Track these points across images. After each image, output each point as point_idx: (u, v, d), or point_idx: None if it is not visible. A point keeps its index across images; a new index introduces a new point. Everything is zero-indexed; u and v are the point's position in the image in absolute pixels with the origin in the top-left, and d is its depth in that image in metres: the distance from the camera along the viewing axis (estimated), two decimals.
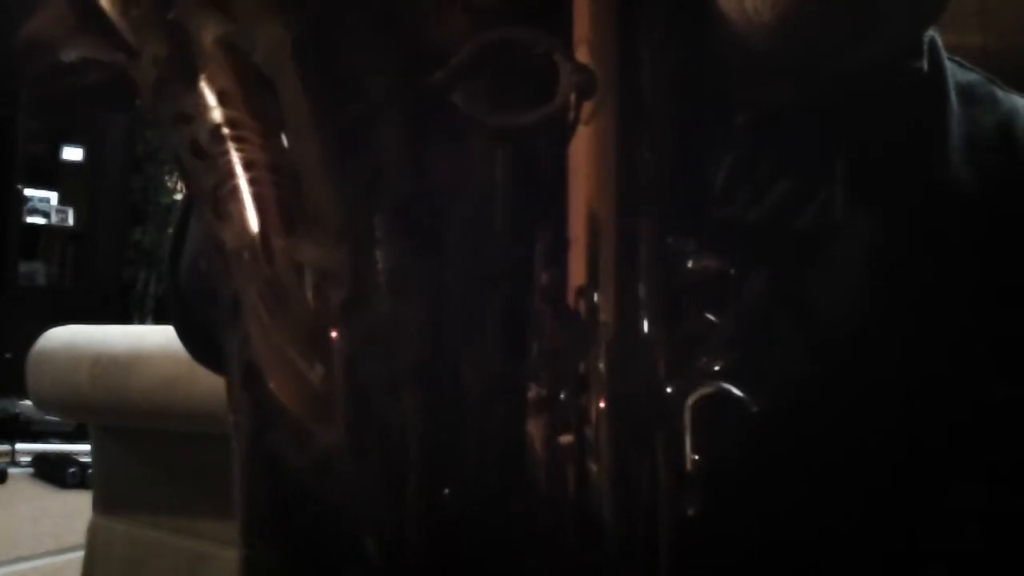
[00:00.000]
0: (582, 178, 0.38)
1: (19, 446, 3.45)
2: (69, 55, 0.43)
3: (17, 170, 4.45)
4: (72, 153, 4.89)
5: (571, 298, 0.38)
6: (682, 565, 0.38)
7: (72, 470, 3.12)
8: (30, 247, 4.69)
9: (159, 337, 1.28)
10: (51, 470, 3.23)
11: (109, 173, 4.89)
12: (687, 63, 0.49)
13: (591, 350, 0.38)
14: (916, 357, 0.54)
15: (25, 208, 4.59)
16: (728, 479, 0.39)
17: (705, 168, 0.56)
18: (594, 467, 0.38)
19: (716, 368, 0.38)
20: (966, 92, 0.59)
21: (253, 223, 0.38)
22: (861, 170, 0.55)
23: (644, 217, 0.39)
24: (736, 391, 0.38)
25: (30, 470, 3.33)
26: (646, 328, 0.39)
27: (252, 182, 0.38)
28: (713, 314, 0.39)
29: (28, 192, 4.60)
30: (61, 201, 4.83)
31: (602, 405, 0.38)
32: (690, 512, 0.38)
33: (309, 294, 0.38)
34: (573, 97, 0.37)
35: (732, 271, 0.40)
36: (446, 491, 0.38)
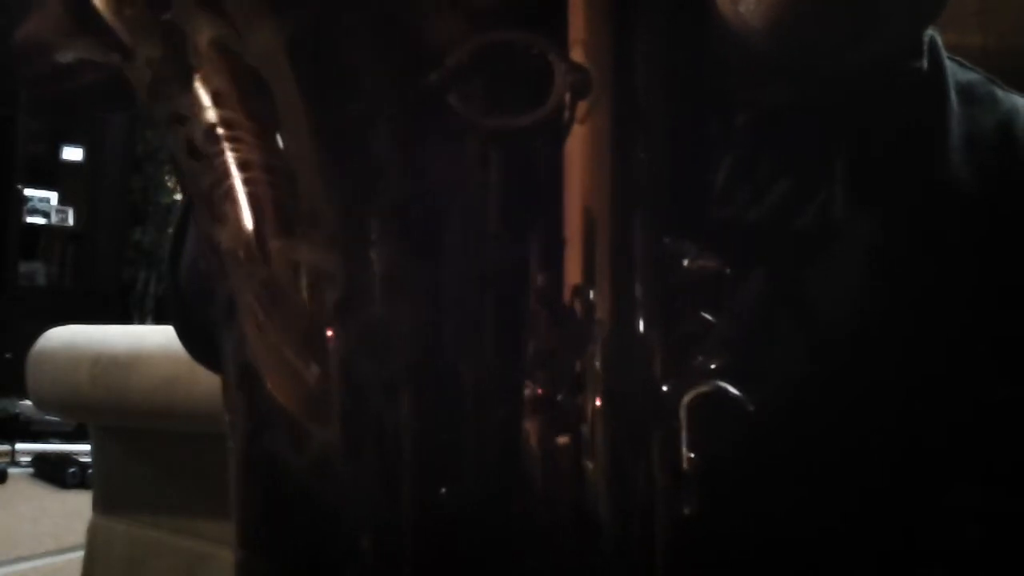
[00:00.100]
0: (578, 178, 0.38)
1: (19, 446, 3.45)
2: (65, 56, 0.43)
3: (17, 170, 4.45)
4: (72, 153, 4.89)
5: (567, 298, 0.38)
6: (679, 564, 0.38)
7: (72, 470, 3.12)
8: (30, 247, 4.69)
9: (159, 337, 1.27)
10: (51, 470, 3.23)
11: (109, 173, 4.89)
12: (685, 63, 0.49)
13: (587, 349, 0.38)
14: (916, 357, 0.53)
15: (25, 208, 4.59)
16: (725, 478, 0.39)
17: (703, 168, 0.56)
18: (590, 466, 0.38)
19: (712, 367, 0.38)
20: (966, 92, 0.59)
21: (248, 223, 0.38)
22: (861, 170, 0.55)
23: (640, 216, 0.39)
24: (732, 390, 0.38)
25: (30, 470, 3.33)
26: (642, 327, 0.39)
27: (247, 182, 0.38)
28: (710, 313, 0.39)
29: (28, 192, 4.60)
30: (61, 201, 4.83)
31: (598, 404, 0.38)
32: (686, 511, 0.38)
33: (304, 294, 0.38)
34: (568, 97, 0.37)
35: (728, 271, 0.40)
36: (443, 490, 0.38)
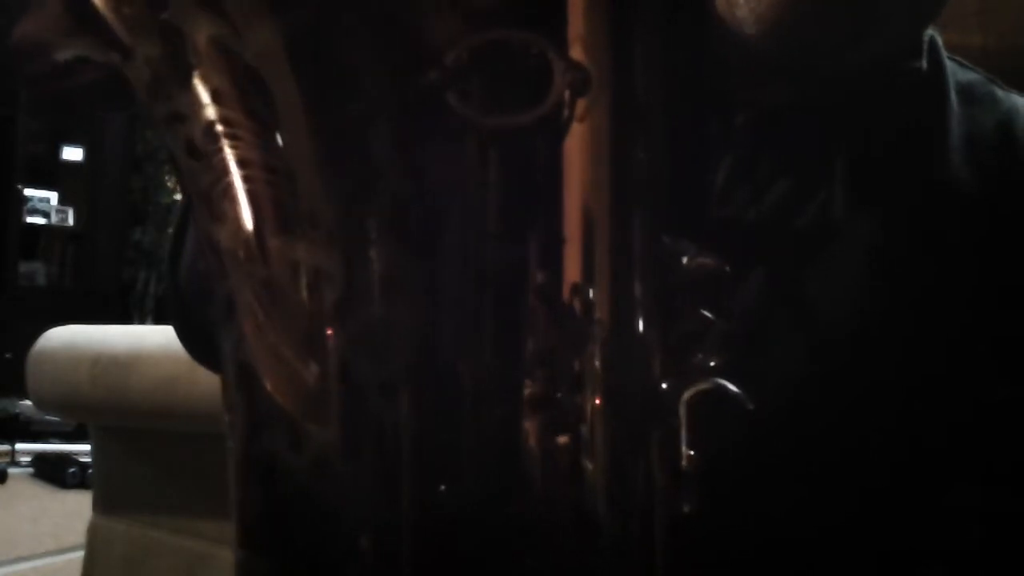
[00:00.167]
0: (577, 176, 0.38)
1: (19, 446, 3.45)
2: (64, 55, 0.43)
3: (17, 170, 4.45)
4: (72, 153, 4.90)
5: (566, 296, 0.38)
6: (679, 563, 0.38)
7: (72, 470, 3.12)
8: (30, 247, 4.69)
9: (159, 337, 1.27)
10: (51, 470, 3.23)
11: (109, 173, 4.89)
12: (685, 62, 0.49)
13: (587, 348, 0.38)
14: (916, 357, 0.53)
15: (25, 208, 4.60)
16: (726, 477, 0.39)
17: (703, 167, 0.56)
18: (590, 465, 0.38)
19: (712, 365, 0.38)
20: (966, 92, 0.59)
21: (248, 222, 0.38)
22: (861, 170, 0.55)
23: (639, 215, 0.39)
24: (732, 388, 0.38)
25: (30, 470, 3.33)
26: (642, 325, 0.39)
27: (247, 181, 0.38)
28: (710, 312, 0.39)
29: (28, 192, 4.60)
30: (61, 201, 4.83)
31: (598, 403, 0.37)
32: (686, 510, 0.38)
33: (304, 293, 0.38)
34: (567, 95, 0.37)
35: (728, 269, 0.40)
36: (442, 490, 0.38)
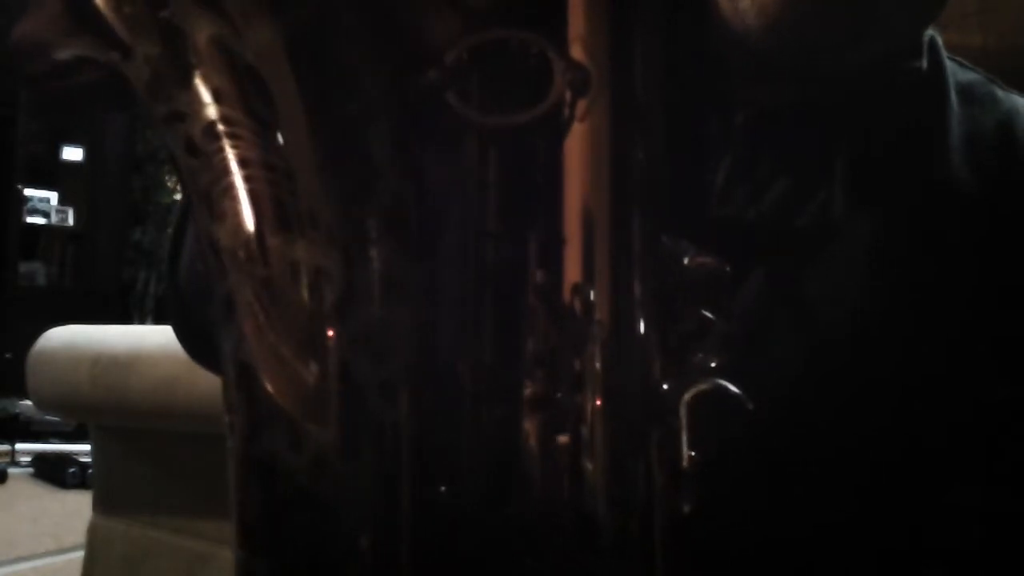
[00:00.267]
0: (577, 176, 0.38)
1: (19, 446, 3.45)
2: (64, 54, 0.43)
3: (17, 170, 4.45)
4: (72, 153, 4.90)
5: (566, 296, 0.38)
6: (679, 563, 0.38)
7: (72, 470, 3.12)
8: (30, 247, 4.69)
9: (159, 337, 1.27)
10: (51, 470, 3.23)
11: (109, 173, 4.89)
12: (685, 61, 0.49)
13: (587, 348, 0.37)
14: (916, 357, 0.53)
15: (25, 208, 4.60)
16: (726, 477, 0.39)
17: (703, 167, 0.56)
18: (590, 466, 0.38)
19: (712, 365, 0.38)
20: (966, 92, 0.59)
21: (248, 221, 0.38)
22: (861, 169, 0.55)
23: (639, 215, 0.39)
24: (732, 388, 0.38)
25: (30, 470, 3.33)
26: (642, 326, 0.39)
27: (247, 180, 0.38)
28: (710, 312, 0.39)
29: (28, 192, 4.60)
30: (61, 201, 4.83)
31: (598, 403, 0.37)
32: (687, 510, 0.38)
33: (304, 293, 0.38)
34: (568, 95, 0.37)
35: (728, 269, 0.40)
36: (442, 490, 0.38)
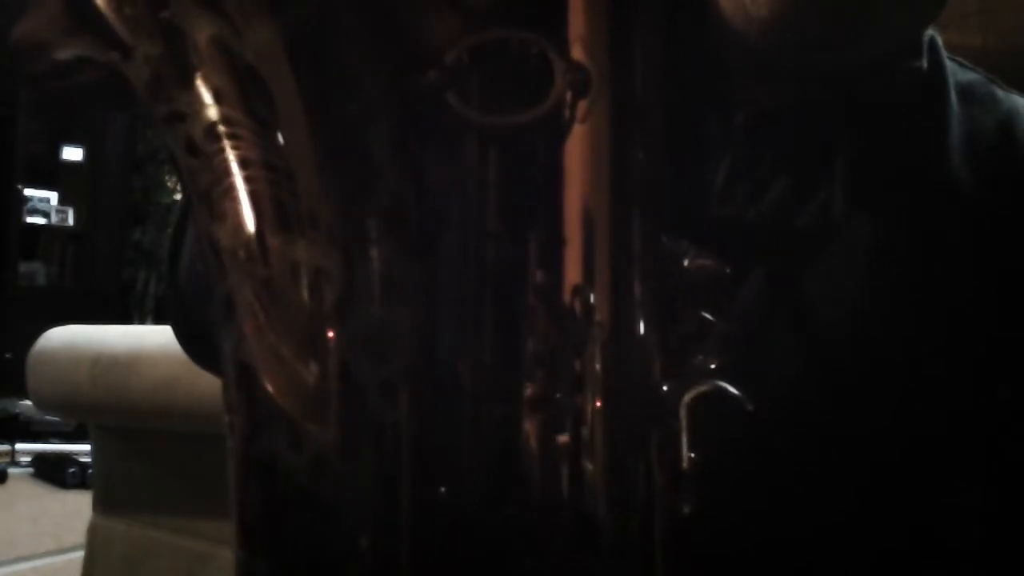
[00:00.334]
0: (577, 176, 0.38)
1: (19, 446, 3.45)
2: (64, 54, 0.43)
3: (17, 170, 4.45)
4: (72, 153, 4.90)
5: (567, 297, 0.38)
6: (679, 564, 0.38)
7: (72, 470, 3.12)
8: (30, 247, 4.70)
9: (159, 337, 1.28)
10: (51, 470, 3.23)
11: (109, 173, 4.89)
12: (685, 61, 0.49)
13: (587, 349, 0.37)
14: (916, 357, 0.53)
15: (25, 208, 4.60)
16: (726, 478, 0.39)
17: (703, 167, 0.56)
18: (590, 466, 0.38)
19: (712, 366, 0.38)
20: (966, 92, 0.59)
21: (248, 222, 0.38)
22: (861, 169, 0.55)
23: (639, 215, 0.39)
24: (732, 390, 0.38)
25: (30, 470, 3.33)
26: (642, 327, 0.39)
27: (247, 180, 0.38)
28: (710, 313, 0.39)
29: (28, 192, 4.60)
30: (61, 201, 4.83)
31: (598, 404, 0.37)
32: (687, 510, 0.38)
33: (304, 293, 0.38)
34: (568, 96, 0.37)
35: (728, 270, 0.40)
36: (442, 490, 0.38)
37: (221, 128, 0.38)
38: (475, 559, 0.38)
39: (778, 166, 0.56)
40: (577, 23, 0.38)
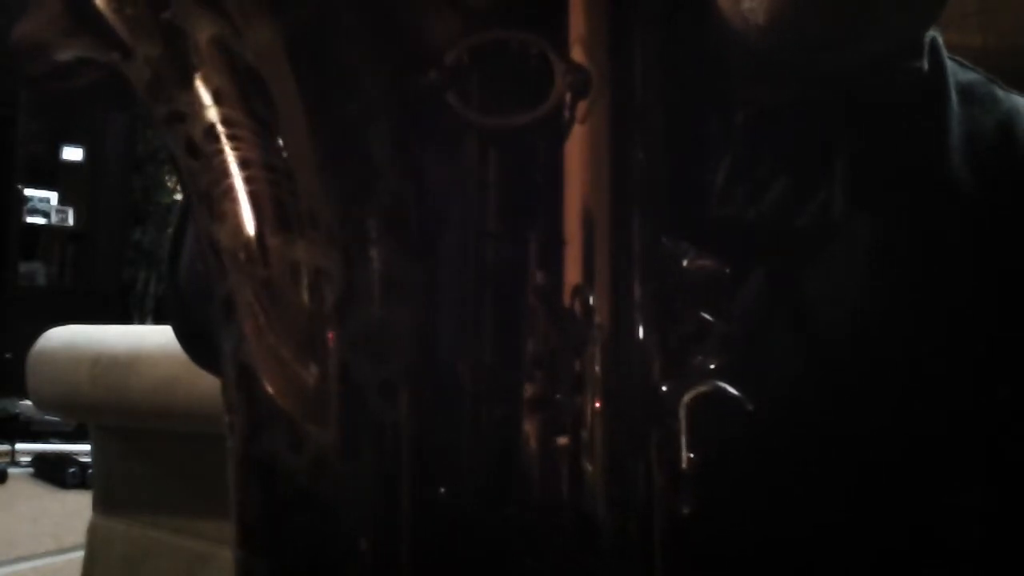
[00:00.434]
0: (577, 177, 0.38)
1: (19, 446, 3.45)
2: (64, 55, 0.43)
3: (17, 170, 4.46)
4: (72, 153, 4.90)
5: (566, 298, 0.38)
6: (679, 564, 0.38)
7: (72, 470, 3.12)
8: (30, 247, 4.70)
9: (159, 337, 1.28)
10: (51, 470, 3.23)
11: (109, 173, 4.89)
12: (685, 61, 0.49)
13: (587, 349, 0.38)
14: (916, 357, 0.53)
15: (25, 208, 4.60)
16: (726, 478, 0.39)
17: (703, 167, 0.56)
18: (590, 467, 0.38)
19: (712, 367, 0.38)
20: (966, 92, 0.59)
21: (248, 222, 0.38)
22: (860, 169, 0.55)
23: (639, 216, 0.39)
24: (732, 390, 0.38)
25: (30, 470, 3.33)
26: (642, 328, 0.39)
27: (247, 181, 0.38)
28: (709, 314, 0.39)
29: (28, 192, 4.61)
30: (61, 201, 4.84)
31: (598, 405, 0.37)
32: (686, 511, 0.38)
33: (304, 293, 0.38)
34: (568, 96, 0.37)
35: (728, 271, 0.40)
36: (441, 491, 0.38)
37: (221, 128, 0.38)
38: (475, 559, 0.38)
39: (778, 166, 0.56)
40: (577, 24, 0.38)
